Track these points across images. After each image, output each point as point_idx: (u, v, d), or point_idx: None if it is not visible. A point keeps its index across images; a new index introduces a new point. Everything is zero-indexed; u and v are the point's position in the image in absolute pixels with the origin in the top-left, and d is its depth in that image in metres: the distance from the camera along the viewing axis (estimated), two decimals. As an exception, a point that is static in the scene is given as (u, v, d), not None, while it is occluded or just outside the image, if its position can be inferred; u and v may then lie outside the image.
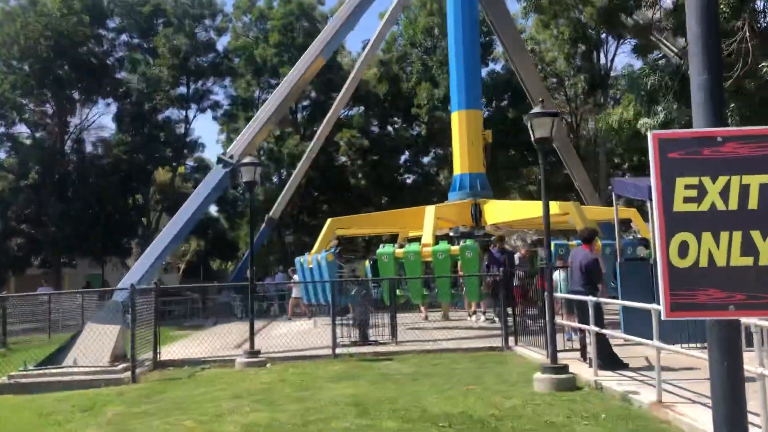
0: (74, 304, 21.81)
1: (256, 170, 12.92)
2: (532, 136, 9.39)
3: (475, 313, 17.70)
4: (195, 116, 39.73)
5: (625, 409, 7.44)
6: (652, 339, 7.82)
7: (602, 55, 34.17)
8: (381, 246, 18.21)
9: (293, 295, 21.94)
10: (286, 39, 34.41)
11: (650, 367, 8.84)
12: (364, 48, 38.02)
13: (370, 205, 34.53)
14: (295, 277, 21.89)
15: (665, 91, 8.27)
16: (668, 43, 10.45)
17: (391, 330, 14.54)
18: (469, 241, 17.01)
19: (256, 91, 37.20)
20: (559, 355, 10.33)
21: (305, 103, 36.00)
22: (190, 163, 37.78)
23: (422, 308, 18.52)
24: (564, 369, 9.07)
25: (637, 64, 29.67)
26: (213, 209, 36.63)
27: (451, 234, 21.25)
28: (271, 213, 27.92)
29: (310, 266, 18.89)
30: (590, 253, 10.22)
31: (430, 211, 18.12)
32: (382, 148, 33.21)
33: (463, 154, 20.75)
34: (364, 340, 14.47)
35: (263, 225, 28.50)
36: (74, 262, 34.40)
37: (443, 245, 16.80)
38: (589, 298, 9.47)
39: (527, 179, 34.30)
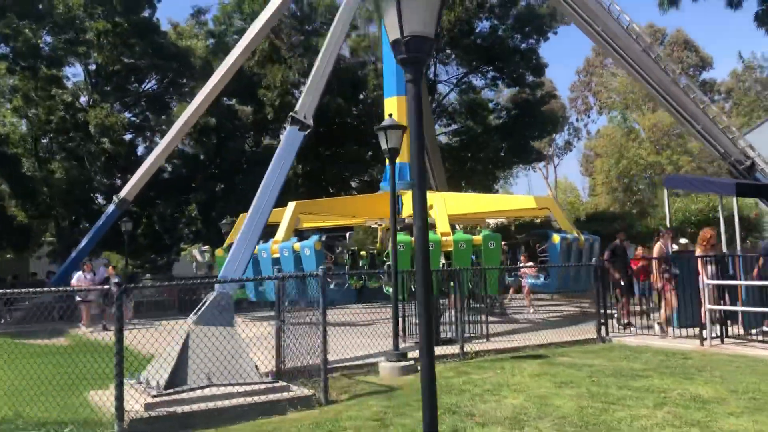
0: None
1: (403, 133, 10.70)
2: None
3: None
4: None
5: None
6: None
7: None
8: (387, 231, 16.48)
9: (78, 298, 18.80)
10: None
11: None
12: (194, 15, 33.91)
13: (198, 191, 30.67)
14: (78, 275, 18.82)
15: None
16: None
17: (462, 327, 13.17)
18: (485, 231, 16.33)
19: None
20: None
21: (116, 67, 30.31)
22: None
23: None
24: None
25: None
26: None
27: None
28: (123, 193, 22.90)
29: (276, 255, 16.21)
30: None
31: (439, 198, 16.89)
32: (223, 129, 29.67)
33: (403, 142, 19.70)
34: (436, 338, 12.90)
35: (111, 206, 23.31)
36: None
37: (463, 234, 15.87)
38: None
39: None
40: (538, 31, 35.32)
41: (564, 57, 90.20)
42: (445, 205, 16.04)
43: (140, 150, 33.29)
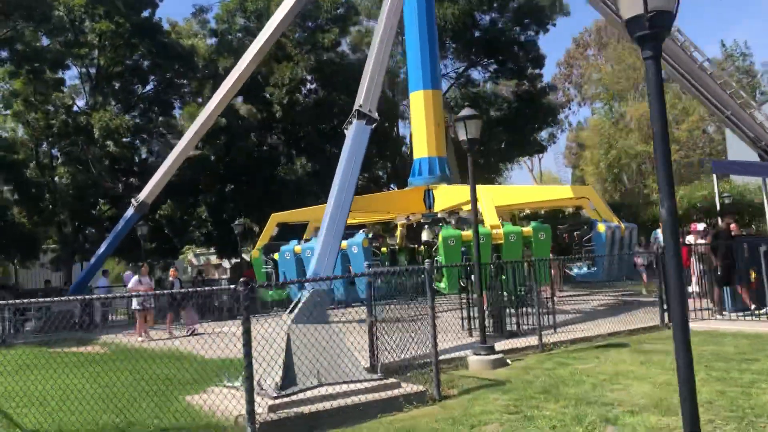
0: None
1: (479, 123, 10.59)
2: None
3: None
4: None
5: None
6: None
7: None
8: (439, 227, 16.35)
9: (136, 306, 17.36)
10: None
11: None
12: (195, 14, 33.38)
13: (207, 193, 30.20)
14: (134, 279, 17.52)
15: None
16: None
17: (535, 318, 13.16)
18: (535, 223, 16.26)
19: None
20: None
21: (117, 68, 29.69)
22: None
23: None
24: None
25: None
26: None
27: (422, 220, 20.08)
28: (143, 196, 22.43)
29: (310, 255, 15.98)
30: None
31: (486, 191, 16.76)
32: (232, 128, 29.23)
33: (430, 136, 19.64)
34: (501, 331, 12.82)
35: (130, 210, 22.78)
36: None
37: (513, 227, 15.80)
38: None
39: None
40: (538, 23, 35.41)
41: (544, 50, 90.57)
42: (492, 198, 15.94)
43: (143, 152, 32.73)
